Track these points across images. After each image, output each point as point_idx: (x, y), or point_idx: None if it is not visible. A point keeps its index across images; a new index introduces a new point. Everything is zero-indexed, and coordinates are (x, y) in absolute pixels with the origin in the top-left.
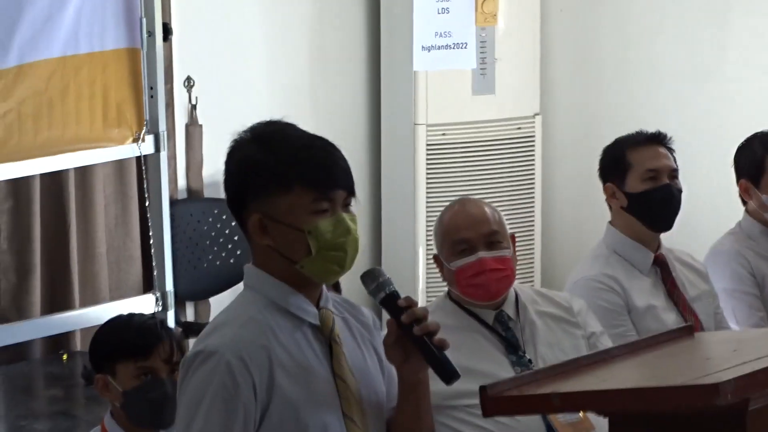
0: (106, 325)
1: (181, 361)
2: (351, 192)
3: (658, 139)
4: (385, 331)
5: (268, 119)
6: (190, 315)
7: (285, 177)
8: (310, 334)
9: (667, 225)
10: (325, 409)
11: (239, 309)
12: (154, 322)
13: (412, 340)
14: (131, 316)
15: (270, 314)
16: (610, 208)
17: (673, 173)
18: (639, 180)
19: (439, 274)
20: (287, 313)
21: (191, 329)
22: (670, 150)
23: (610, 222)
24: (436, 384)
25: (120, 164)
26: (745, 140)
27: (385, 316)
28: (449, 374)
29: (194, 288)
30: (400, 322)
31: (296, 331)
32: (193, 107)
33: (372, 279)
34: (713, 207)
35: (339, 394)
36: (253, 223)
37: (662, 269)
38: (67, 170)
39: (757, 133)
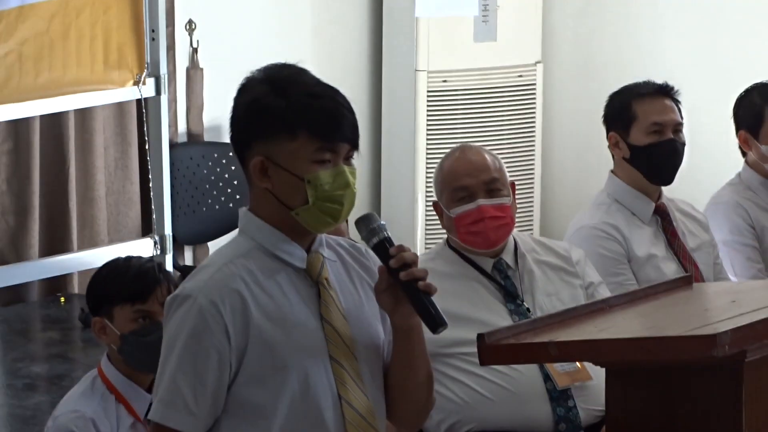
0: (103, 268)
1: (165, 303)
2: (355, 146)
3: (666, 92)
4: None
5: (283, 62)
6: (188, 259)
7: (292, 123)
8: (296, 278)
9: (668, 179)
10: (309, 353)
11: (224, 252)
12: (152, 265)
13: (400, 286)
14: (129, 259)
15: (255, 257)
16: (613, 156)
17: (678, 127)
18: (643, 133)
19: (438, 222)
20: (273, 256)
21: (189, 273)
22: (677, 102)
23: (611, 171)
24: None
25: (120, 107)
26: (744, 91)
27: None
28: (436, 322)
29: (193, 232)
30: (391, 267)
31: (280, 275)
32: (195, 50)
33: (365, 224)
34: (714, 157)
35: (326, 338)
36: (255, 165)
37: (663, 219)
38: (67, 112)
39: (756, 84)
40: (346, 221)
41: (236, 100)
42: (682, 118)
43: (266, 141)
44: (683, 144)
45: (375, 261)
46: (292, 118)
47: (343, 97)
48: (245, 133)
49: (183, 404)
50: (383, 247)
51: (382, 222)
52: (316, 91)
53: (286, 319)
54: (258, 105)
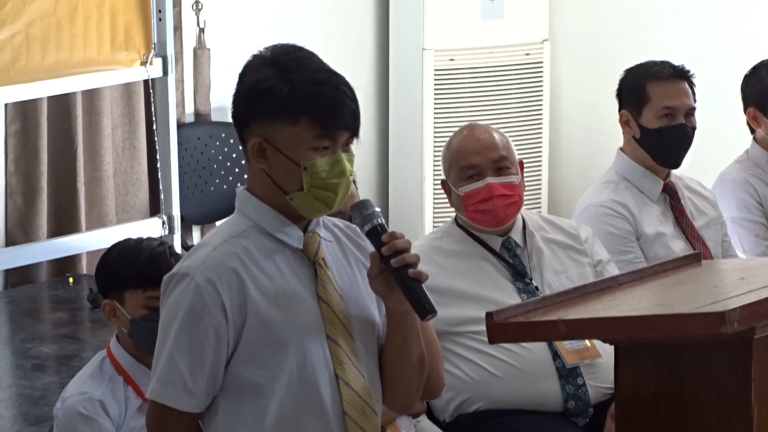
0: (114, 250)
1: (162, 281)
2: (355, 133)
3: (682, 75)
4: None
5: (291, 44)
6: (196, 238)
7: (293, 108)
8: (294, 258)
9: (677, 163)
10: (306, 331)
11: (221, 231)
12: (164, 249)
13: (391, 272)
14: (140, 241)
15: (253, 237)
16: (623, 133)
17: (690, 111)
18: (655, 116)
19: (446, 200)
20: (270, 236)
21: None
22: (692, 85)
23: (620, 148)
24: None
25: (127, 87)
26: (751, 68)
27: None
28: (425, 309)
29: (200, 212)
30: (384, 255)
31: (278, 255)
32: (202, 31)
33: (360, 211)
34: (722, 135)
35: (323, 317)
36: (253, 145)
37: (671, 197)
38: (74, 93)
39: (764, 61)
40: (356, 186)
41: (240, 78)
42: (695, 101)
43: (266, 123)
44: (694, 128)
45: (369, 242)
46: (294, 103)
47: (347, 85)
48: (246, 112)
49: (181, 383)
50: (376, 233)
51: (376, 209)
52: (320, 78)
53: (284, 297)
54: (261, 87)
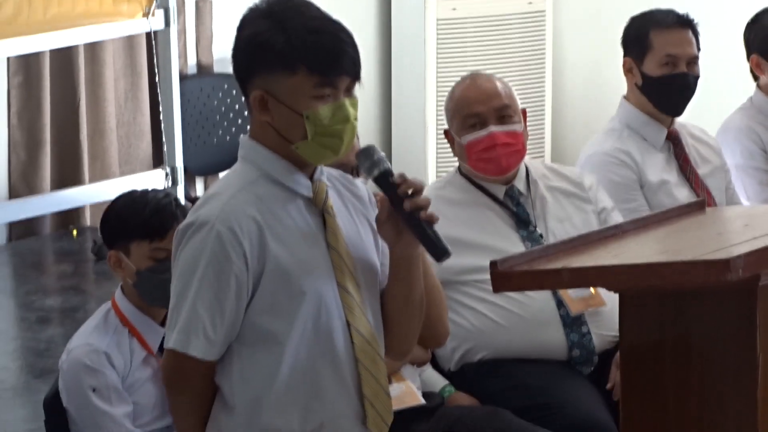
0: (119, 201)
1: (175, 232)
2: (356, 78)
3: (686, 23)
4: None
5: None
6: (199, 190)
7: (291, 59)
8: (303, 206)
9: (678, 111)
10: (319, 278)
11: (232, 180)
12: (169, 200)
13: (402, 216)
14: (145, 193)
15: (263, 185)
16: (627, 81)
17: (693, 60)
18: (657, 64)
19: (449, 149)
20: (280, 185)
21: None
22: (696, 34)
23: (624, 96)
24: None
25: (130, 39)
26: (754, 15)
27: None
28: (440, 251)
29: (204, 163)
30: (393, 199)
31: (289, 203)
32: None
33: (367, 157)
34: (726, 82)
35: (333, 265)
36: (255, 98)
37: (675, 145)
38: (76, 45)
39: (766, 8)
40: (358, 138)
41: (238, 31)
42: (699, 50)
43: (266, 75)
44: (696, 77)
45: (363, 190)
46: (290, 53)
47: (345, 31)
48: (245, 66)
49: (203, 332)
50: (385, 178)
51: (382, 153)
52: (315, 26)
53: (299, 245)
54: (257, 39)
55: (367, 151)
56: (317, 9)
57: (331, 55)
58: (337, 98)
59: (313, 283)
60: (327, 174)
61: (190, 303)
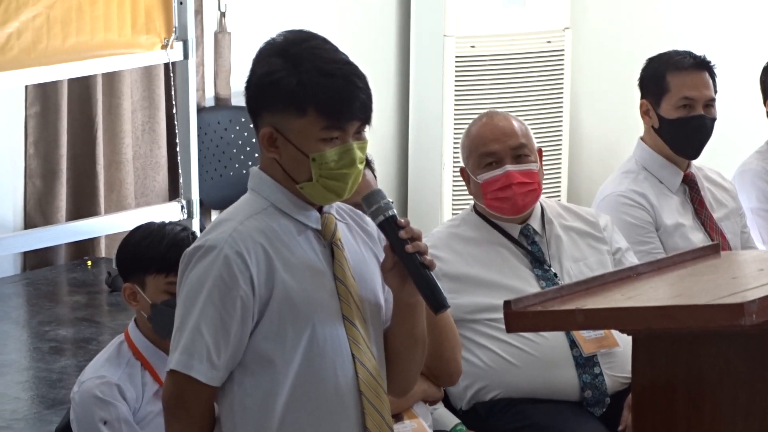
0: (137, 233)
1: (181, 256)
2: (366, 122)
3: (703, 65)
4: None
5: (301, 29)
6: None
7: (301, 100)
8: (313, 237)
9: (695, 154)
10: (325, 310)
11: (242, 207)
12: (186, 234)
13: (404, 262)
14: (163, 226)
15: (272, 215)
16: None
17: (710, 102)
18: (673, 106)
19: (465, 188)
20: (289, 217)
21: None
22: (713, 76)
23: (641, 138)
24: (459, 297)
25: (148, 71)
26: None
27: None
28: (438, 303)
29: (220, 196)
30: (394, 244)
31: (298, 233)
32: (223, 15)
33: (372, 202)
34: (743, 125)
35: (340, 297)
36: (264, 134)
37: (691, 188)
38: (94, 76)
39: None
40: (374, 173)
41: (253, 65)
42: (716, 92)
43: (276, 114)
44: (713, 120)
45: (372, 225)
46: (301, 95)
47: (358, 74)
48: (257, 102)
49: (206, 354)
50: (390, 224)
51: (388, 199)
52: (328, 69)
53: (307, 275)
54: (270, 78)
55: (373, 196)
56: (333, 50)
57: (341, 100)
58: (345, 141)
59: (319, 314)
60: (337, 207)
61: (193, 324)
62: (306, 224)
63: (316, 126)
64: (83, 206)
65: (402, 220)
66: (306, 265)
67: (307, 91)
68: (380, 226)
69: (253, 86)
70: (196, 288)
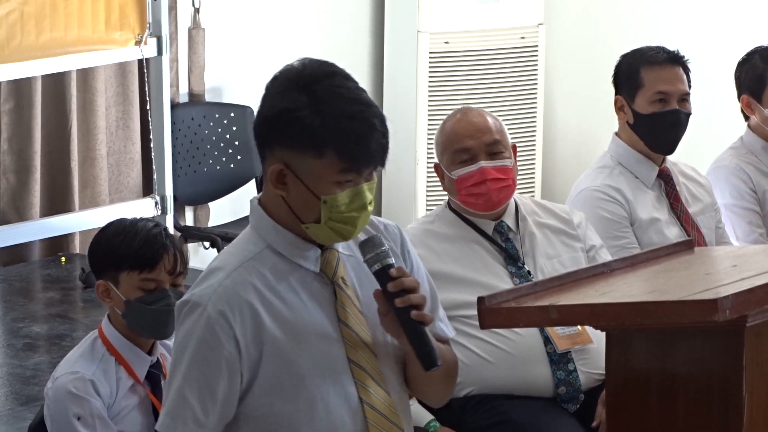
0: (109, 230)
1: (176, 305)
2: (382, 165)
3: (676, 60)
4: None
5: (323, 62)
6: (189, 219)
7: (321, 142)
8: (312, 278)
9: (670, 149)
10: (326, 359)
11: (237, 250)
12: (159, 230)
13: (396, 314)
14: (135, 222)
15: (268, 257)
16: (618, 118)
17: (684, 97)
18: (648, 101)
19: (440, 184)
20: (286, 259)
21: (190, 234)
22: (687, 71)
23: (615, 133)
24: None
25: (122, 67)
26: (745, 55)
27: None
28: (428, 360)
29: (194, 192)
30: (387, 294)
31: (295, 277)
32: (197, 11)
33: (369, 249)
34: (718, 121)
35: (343, 339)
36: (273, 170)
37: (666, 183)
38: (68, 72)
39: (757, 48)
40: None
41: (268, 94)
42: (690, 87)
43: (291, 151)
44: (688, 114)
45: (397, 239)
46: (322, 137)
47: (380, 117)
48: (271, 135)
49: (192, 416)
50: (385, 273)
51: (386, 246)
52: (353, 111)
53: (302, 325)
54: (291, 115)
55: (370, 243)
56: (355, 88)
57: (362, 145)
58: (357, 184)
59: (316, 363)
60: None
61: (177, 386)
62: (303, 266)
63: (333, 169)
64: (57, 202)
65: (393, 270)
66: (301, 314)
67: (330, 133)
68: (376, 274)
69: (268, 119)
70: (181, 348)
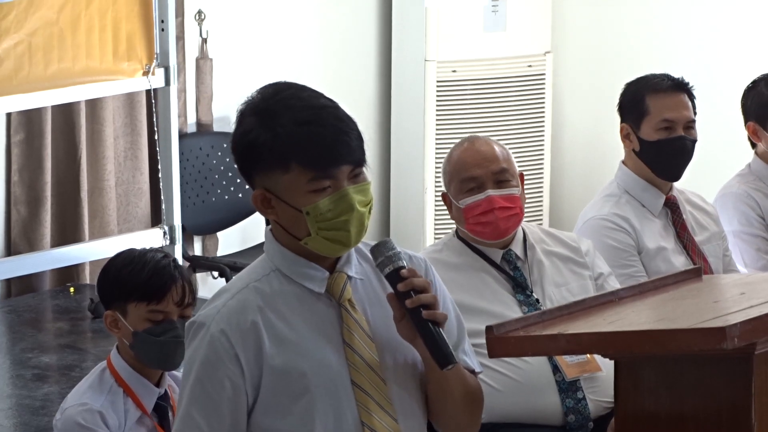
0: (117, 261)
1: (186, 324)
2: (358, 164)
3: (681, 87)
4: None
5: (278, 81)
6: (197, 249)
7: (281, 156)
8: (318, 301)
9: (676, 176)
10: (329, 379)
11: (245, 275)
12: (168, 262)
13: (409, 315)
14: (144, 253)
15: (275, 279)
16: (624, 147)
17: (690, 124)
18: (653, 128)
19: (447, 213)
20: (294, 282)
21: (199, 263)
22: (692, 98)
23: (622, 161)
24: None
25: (130, 97)
26: (751, 82)
27: None
28: (443, 358)
29: (202, 222)
30: (399, 296)
31: (301, 299)
32: (204, 41)
33: (380, 252)
34: (724, 148)
35: (348, 362)
36: (256, 197)
37: (673, 211)
38: (77, 103)
39: (763, 75)
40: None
41: (235, 127)
42: (695, 113)
43: (263, 174)
44: (694, 141)
45: (421, 272)
46: (280, 151)
47: (339, 117)
48: (243, 166)
49: None
50: (396, 275)
51: (397, 250)
52: (305, 117)
53: (303, 346)
54: (247, 139)
55: (381, 246)
56: (310, 96)
57: (323, 147)
58: (338, 188)
59: (319, 383)
60: (365, 257)
61: (184, 407)
62: (309, 288)
63: (302, 179)
64: (68, 233)
65: (405, 271)
66: (304, 335)
67: (285, 144)
68: (388, 276)
69: (236, 150)
70: (188, 367)
